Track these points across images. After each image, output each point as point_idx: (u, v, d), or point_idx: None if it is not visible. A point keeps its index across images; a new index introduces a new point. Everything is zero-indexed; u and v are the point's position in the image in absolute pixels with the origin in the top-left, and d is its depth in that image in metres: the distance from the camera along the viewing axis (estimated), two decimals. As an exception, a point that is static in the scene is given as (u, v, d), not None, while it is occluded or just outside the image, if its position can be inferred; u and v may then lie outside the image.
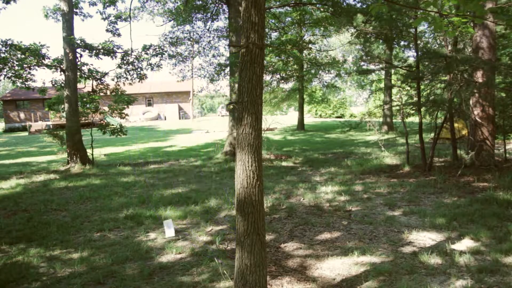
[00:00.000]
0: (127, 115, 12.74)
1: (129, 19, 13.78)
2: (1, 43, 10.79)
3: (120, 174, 10.17)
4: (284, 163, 11.41)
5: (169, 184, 8.65)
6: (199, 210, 6.34)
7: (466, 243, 4.51)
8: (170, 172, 10.35)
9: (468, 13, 3.47)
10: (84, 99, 11.97)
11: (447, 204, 6.20)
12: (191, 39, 19.50)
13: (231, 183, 8.51)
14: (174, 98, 43.22)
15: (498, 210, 5.65)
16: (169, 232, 5.18)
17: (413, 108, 9.49)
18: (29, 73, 11.44)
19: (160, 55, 13.32)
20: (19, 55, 11.02)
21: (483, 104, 8.74)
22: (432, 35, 11.85)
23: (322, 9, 13.15)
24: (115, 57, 12.57)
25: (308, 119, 35.18)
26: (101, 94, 12.78)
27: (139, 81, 13.45)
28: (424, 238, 4.77)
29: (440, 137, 10.87)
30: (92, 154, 11.94)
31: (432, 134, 10.13)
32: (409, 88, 10.22)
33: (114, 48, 12.37)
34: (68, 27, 11.22)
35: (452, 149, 9.55)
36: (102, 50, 12.06)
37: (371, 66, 11.44)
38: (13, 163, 13.63)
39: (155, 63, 13.40)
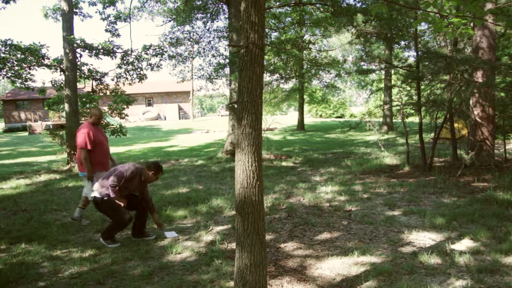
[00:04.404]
0: (126, 115, 12.74)
1: (128, 19, 13.78)
2: (1, 43, 10.78)
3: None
4: (284, 163, 11.41)
5: (170, 184, 8.65)
6: (199, 210, 6.35)
7: (466, 243, 4.51)
8: (170, 172, 10.35)
9: (468, 14, 3.46)
10: (84, 99, 11.97)
11: (447, 204, 6.20)
12: (191, 40, 19.51)
13: (232, 182, 8.51)
14: (174, 98, 43.23)
15: (498, 210, 5.65)
16: (170, 234, 5.19)
17: (413, 108, 9.49)
18: (29, 73, 11.43)
19: (160, 56, 13.32)
20: (19, 55, 11.01)
21: (483, 104, 8.74)
22: (432, 35, 11.85)
23: (322, 9, 13.15)
24: (115, 57, 12.57)
25: (308, 119, 35.18)
26: (101, 94, 12.78)
27: (139, 81, 13.45)
28: (424, 238, 4.77)
29: (440, 137, 10.87)
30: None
31: (432, 134, 10.13)
32: (409, 88, 10.21)
33: (114, 48, 12.37)
34: (68, 27, 11.21)
35: (452, 149, 9.55)
36: (102, 50, 12.05)
37: (371, 66, 11.43)
38: (13, 163, 13.64)
39: (155, 64, 13.40)
